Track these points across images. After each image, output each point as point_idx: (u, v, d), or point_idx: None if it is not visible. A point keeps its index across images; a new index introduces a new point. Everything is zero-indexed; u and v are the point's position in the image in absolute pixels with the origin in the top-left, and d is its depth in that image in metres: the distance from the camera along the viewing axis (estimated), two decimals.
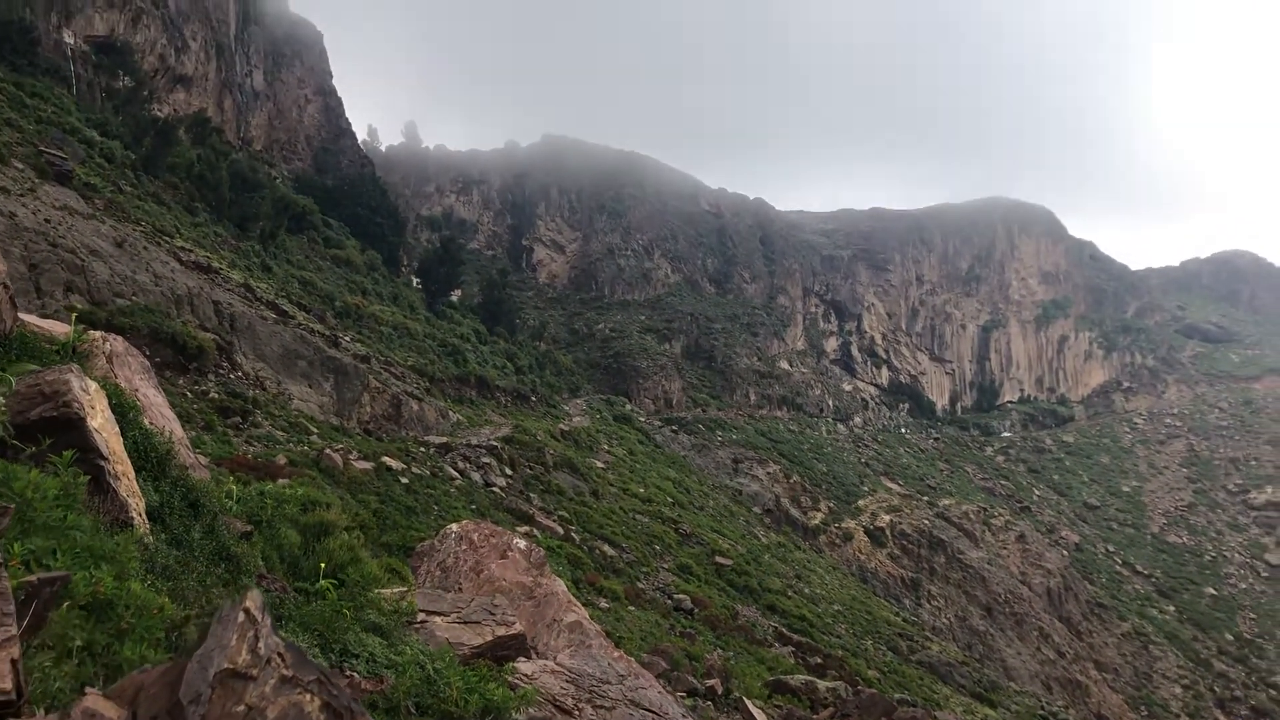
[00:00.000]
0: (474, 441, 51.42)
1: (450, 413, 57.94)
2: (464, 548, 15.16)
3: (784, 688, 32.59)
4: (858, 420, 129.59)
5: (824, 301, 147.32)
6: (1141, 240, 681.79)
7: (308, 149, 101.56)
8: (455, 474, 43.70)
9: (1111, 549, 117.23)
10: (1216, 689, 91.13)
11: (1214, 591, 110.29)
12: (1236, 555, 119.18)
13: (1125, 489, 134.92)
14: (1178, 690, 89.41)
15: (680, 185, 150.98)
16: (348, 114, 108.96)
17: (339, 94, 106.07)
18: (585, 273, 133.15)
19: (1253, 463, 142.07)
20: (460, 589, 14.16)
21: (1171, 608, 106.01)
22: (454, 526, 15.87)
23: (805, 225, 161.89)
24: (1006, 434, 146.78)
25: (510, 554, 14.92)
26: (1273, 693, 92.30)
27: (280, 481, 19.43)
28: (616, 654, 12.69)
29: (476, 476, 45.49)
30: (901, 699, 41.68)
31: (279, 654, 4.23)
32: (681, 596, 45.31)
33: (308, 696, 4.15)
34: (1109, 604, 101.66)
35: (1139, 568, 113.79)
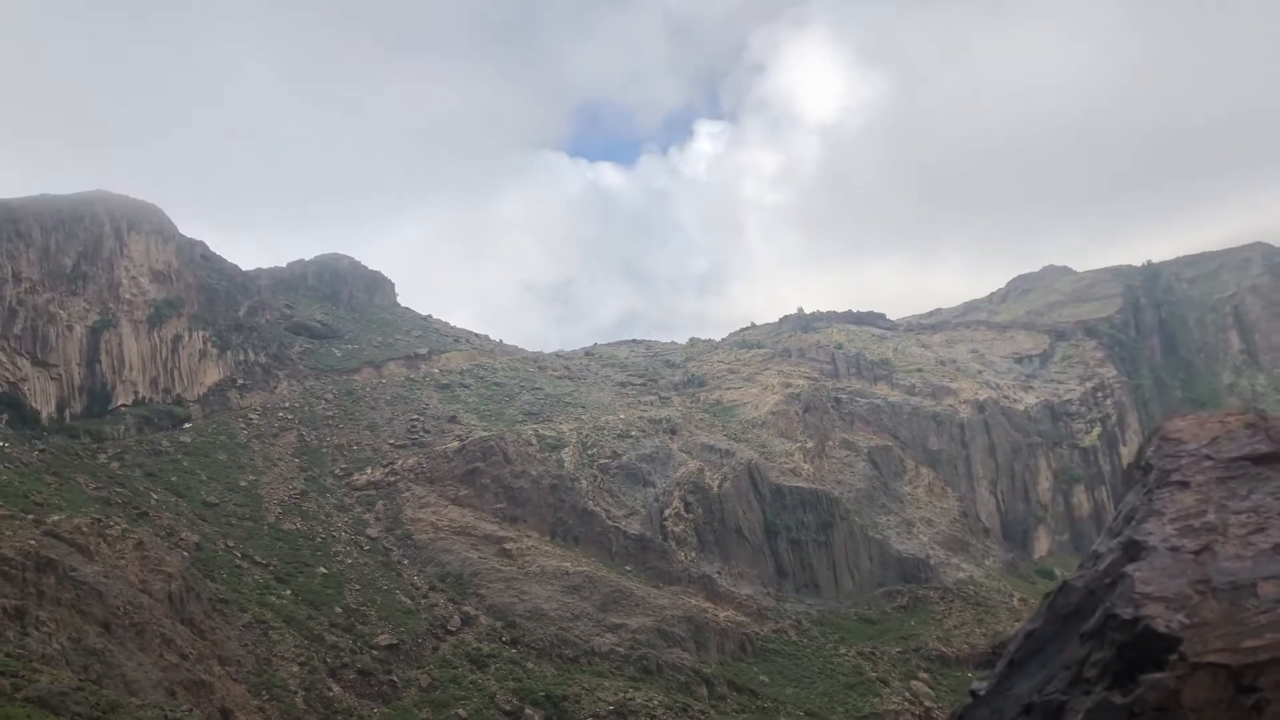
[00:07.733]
0: None
1: None
2: None
3: None
4: None
5: None
6: (253, 241, 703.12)
7: None
8: None
9: (231, 544, 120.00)
10: (329, 660, 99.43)
11: (325, 570, 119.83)
12: (343, 534, 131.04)
13: (243, 483, 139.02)
14: (295, 669, 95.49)
15: None
16: None
17: None
18: None
19: (354, 447, 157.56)
20: None
21: (289, 592, 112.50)
22: None
23: None
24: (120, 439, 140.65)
25: None
26: (375, 653, 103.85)
27: None
28: None
29: None
30: None
31: None
32: None
33: None
34: (230, 598, 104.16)
35: (257, 558, 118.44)
